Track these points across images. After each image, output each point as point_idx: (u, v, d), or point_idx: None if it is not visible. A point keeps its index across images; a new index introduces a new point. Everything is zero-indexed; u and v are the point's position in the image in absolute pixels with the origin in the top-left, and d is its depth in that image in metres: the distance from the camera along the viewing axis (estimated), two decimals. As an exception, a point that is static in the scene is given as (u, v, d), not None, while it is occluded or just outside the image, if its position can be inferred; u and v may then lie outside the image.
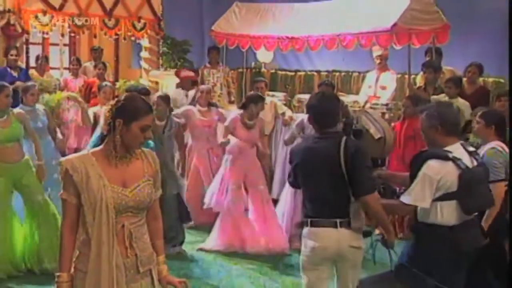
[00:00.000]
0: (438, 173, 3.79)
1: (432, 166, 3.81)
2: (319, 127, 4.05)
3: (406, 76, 9.44)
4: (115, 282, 3.05)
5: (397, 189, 4.38)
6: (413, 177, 3.87)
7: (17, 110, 6.42)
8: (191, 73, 10.19)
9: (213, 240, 7.16)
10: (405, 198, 3.90)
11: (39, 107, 7.31)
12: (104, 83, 8.51)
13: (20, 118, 6.13)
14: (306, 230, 4.04)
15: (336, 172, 3.87)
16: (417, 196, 3.83)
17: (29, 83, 7.70)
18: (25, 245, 6.16)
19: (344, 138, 3.93)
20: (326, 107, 4.03)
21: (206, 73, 10.68)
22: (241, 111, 7.24)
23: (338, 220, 3.90)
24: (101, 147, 3.16)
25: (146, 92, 6.54)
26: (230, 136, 7.19)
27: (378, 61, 9.54)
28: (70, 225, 3.11)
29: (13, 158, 5.96)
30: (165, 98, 7.03)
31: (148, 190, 3.17)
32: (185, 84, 9.79)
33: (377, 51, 9.47)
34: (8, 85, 6.37)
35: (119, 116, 3.08)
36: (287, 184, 7.33)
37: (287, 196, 7.37)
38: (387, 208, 4.01)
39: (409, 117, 7.63)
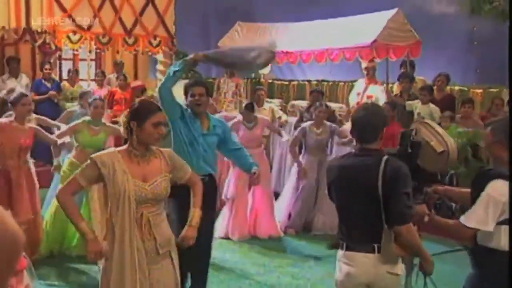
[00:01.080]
0: (504, 194, 2.94)
1: (498, 187, 2.98)
2: (358, 142, 3.24)
3: (385, 85, 9.55)
4: (137, 263, 3.07)
5: (453, 205, 3.88)
6: (475, 197, 3.06)
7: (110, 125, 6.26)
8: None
9: (221, 228, 6.99)
10: (466, 220, 3.04)
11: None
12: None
13: (108, 131, 6.02)
14: (341, 253, 3.26)
15: (372, 195, 3.07)
16: (480, 218, 3.00)
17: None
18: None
19: (384, 158, 3.10)
20: (368, 121, 3.16)
21: (222, 82, 10.76)
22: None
23: (375, 245, 3.11)
24: (125, 146, 3.22)
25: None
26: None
27: (365, 72, 9.47)
28: (70, 194, 3.16)
29: None
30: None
31: (164, 185, 3.18)
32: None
33: (365, 63, 9.49)
34: (97, 97, 6.25)
35: (133, 119, 3.16)
36: (289, 181, 7.54)
37: (288, 192, 7.47)
38: (443, 228, 3.23)
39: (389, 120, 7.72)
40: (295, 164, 7.37)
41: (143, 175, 3.14)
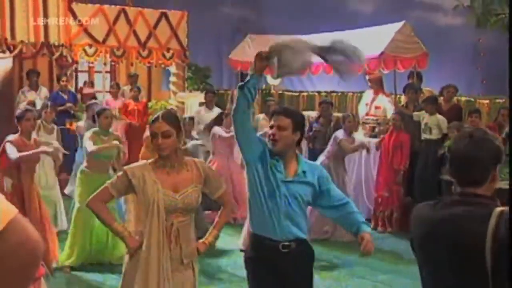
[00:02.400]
0: None
1: None
2: (458, 183, 2.17)
3: (393, 96, 9.52)
4: (162, 268, 3.10)
5: None
6: None
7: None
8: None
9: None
10: None
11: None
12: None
13: (118, 138, 6.00)
14: None
15: (474, 264, 2.00)
16: None
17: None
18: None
19: (496, 210, 2.00)
20: (474, 154, 2.10)
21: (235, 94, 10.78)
22: None
23: None
24: (155, 158, 3.25)
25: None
26: None
27: (369, 84, 9.46)
28: (101, 201, 3.21)
29: (106, 169, 5.88)
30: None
31: (195, 195, 3.18)
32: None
33: (368, 75, 9.44)
34: (107, 107, 6.24)
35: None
36: None
37: None
38: None
39: (397, 130, 7.69)
40: None
41: (174, 185, 3.15)
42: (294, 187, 3.19)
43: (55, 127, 7.19)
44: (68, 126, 9.05)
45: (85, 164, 5.93)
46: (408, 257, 5.59)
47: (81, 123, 7.50)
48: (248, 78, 3.10)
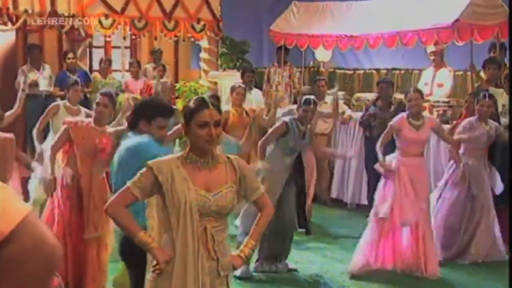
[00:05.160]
0: None
1: None
2: None
3: (469, 73, 9.36)
4: (201, 283, 3.09)
5: None
6: None
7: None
8: None
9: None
10: None
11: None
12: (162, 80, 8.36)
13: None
14: None
15: None
16: None
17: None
18: None
19: None
20: None
21: (272, 72, 10.81)
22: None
23: None
24: (184, 151, 3.24)
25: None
26: None
27: (432, 57, 9.38)
28: (123, 205, 3.18)
29: None
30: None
31: (230, 196, 3.19)
32: None
33: (431, 47, 9.35)
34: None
35: (183, 119, 3.21)
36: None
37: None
38: None
39: (471, 115, 7.33)
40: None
41: (206, 184, 3.17)
42: None
43: (82, 109, 6.99)
44: None
45: None
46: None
47: None
48: None
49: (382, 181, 6.46)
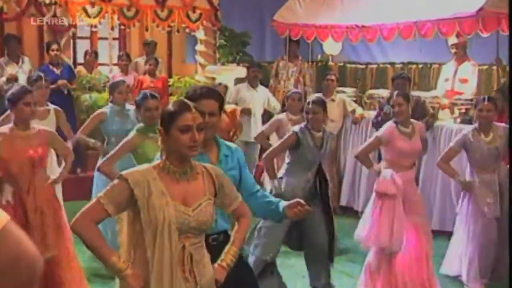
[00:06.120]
0: None
1: None
2: None
3: (494, 68, 9.30)
4: None
5: None
6: None
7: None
8: None
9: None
10: None
11: (130, 107, 6.92)
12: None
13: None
14: None
15: None
16: None
17: (118, 79, 7.61)
18: None
19: None
20: None
21: (281, 66, 10.82)
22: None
23: None
24: (160, 161, 3.19)
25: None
26: None
27: (454, 50, 9.27)
28: (94, 222, 3.09)
29: None
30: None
31: (210, 210, 3.19)
32: None
33: (452, 38, 9.24)
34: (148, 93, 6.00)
35: (161, 124, 3.17)
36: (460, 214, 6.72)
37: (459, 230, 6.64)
38: None
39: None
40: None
41: (184, 197, 3.16)
42: None
43: (51, 107, 6.91)
44: None
45: None
46: None
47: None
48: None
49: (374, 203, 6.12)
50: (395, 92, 6.48)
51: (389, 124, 6.23)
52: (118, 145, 5.70)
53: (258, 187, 3.95)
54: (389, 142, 6.08)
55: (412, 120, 6.31)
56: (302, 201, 3.75)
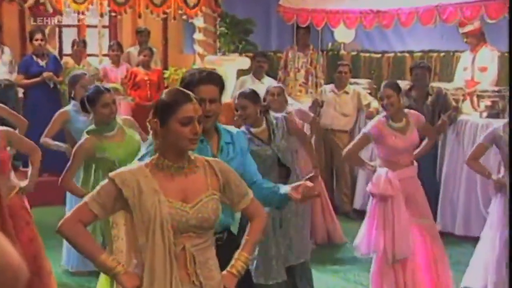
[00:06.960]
0: None
1: None
2: None
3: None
4: None
5: None
6: None
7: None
8: None
9: None
10: None
11: None
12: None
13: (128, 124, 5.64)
14: None
15: None
16: None
17: (78, 72, 7.55)
18: None
19: None
20: None
21: (291, 56, 10.82)
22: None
23: None
24: (153, 157, 3.22)
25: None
26: None
27: (465, 39, 9.29)
28: (81, 223, 3.15)
29: None
30: None
31: (213, 206, 3.19)
32: None
33: (464, 27, 9.23)
34: (102, 87, 5.78)
35: (155, 116, 3.17)
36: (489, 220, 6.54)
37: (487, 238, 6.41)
38: None
39: None
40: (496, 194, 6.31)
41: (182, 194, 3.17)
42: None
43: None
44: None
45: None
46: None
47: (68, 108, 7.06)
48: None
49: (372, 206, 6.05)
50: (383, 83, 6.31)
51: (377, 119, 6.14)
52: (71, 156, 5.49)
53: (259, 175, 3.95)
54: (379, 139, 5.95)
55: (406, 110, 6.19)
56: (309, 182, 3.76)
